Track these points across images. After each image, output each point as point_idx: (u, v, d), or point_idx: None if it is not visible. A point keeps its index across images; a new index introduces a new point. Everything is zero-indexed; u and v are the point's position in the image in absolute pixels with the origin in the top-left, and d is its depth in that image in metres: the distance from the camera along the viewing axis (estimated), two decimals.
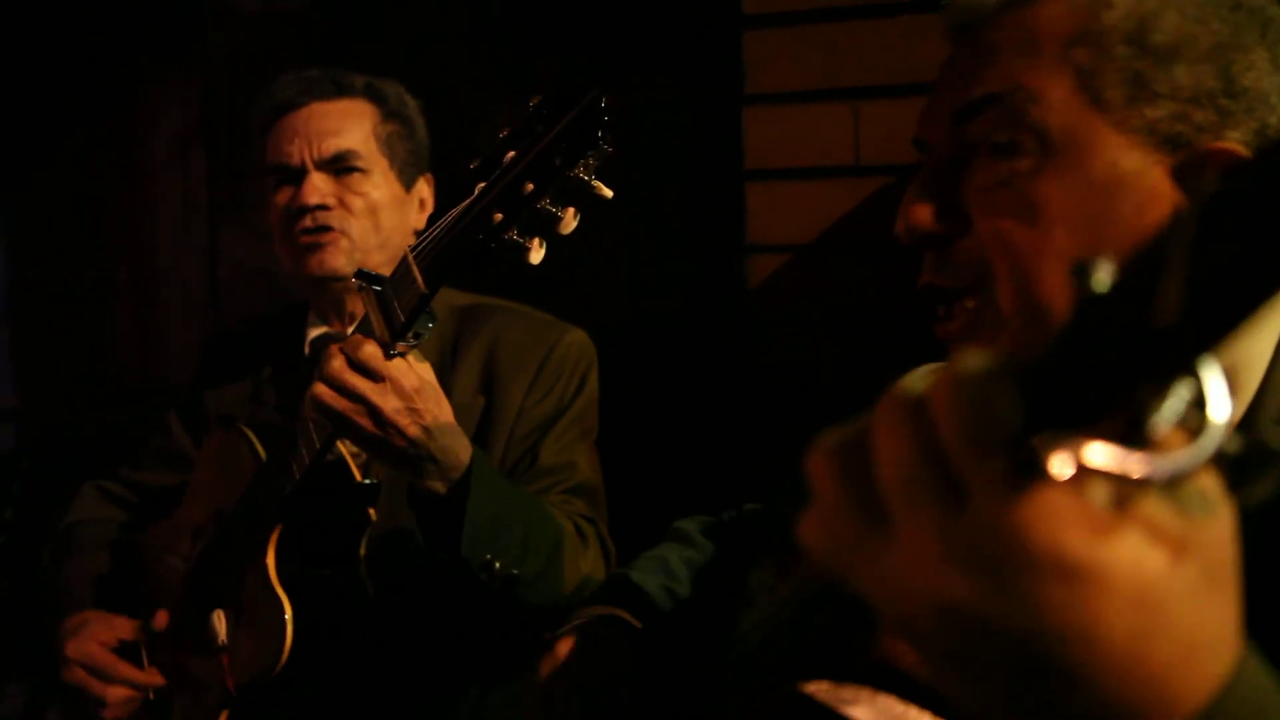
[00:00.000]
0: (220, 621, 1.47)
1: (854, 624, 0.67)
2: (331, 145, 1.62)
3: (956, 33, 0.80)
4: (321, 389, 1.24)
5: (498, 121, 1.17)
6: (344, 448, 1.46)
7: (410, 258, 1.20)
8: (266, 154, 1.67)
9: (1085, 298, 0.36)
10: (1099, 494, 0.39)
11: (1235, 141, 0.71)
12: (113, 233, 2.57)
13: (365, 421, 1.24)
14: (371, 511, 1.43)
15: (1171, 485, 0.39)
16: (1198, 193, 0.38)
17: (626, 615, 1.10)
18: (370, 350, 1.23)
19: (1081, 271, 0.36)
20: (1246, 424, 0.70)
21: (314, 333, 1.72)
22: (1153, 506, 0.40)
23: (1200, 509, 0.41)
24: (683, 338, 2.05)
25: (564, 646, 1.08)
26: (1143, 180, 0.72)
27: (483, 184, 1.15)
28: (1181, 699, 0.41)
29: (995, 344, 0.41)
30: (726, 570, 1.16)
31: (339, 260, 1.61)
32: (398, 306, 1.21)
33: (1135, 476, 0.37)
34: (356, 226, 1.62)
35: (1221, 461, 0.37)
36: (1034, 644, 0.41)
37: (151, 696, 1.58)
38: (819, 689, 0.64)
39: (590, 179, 1.08)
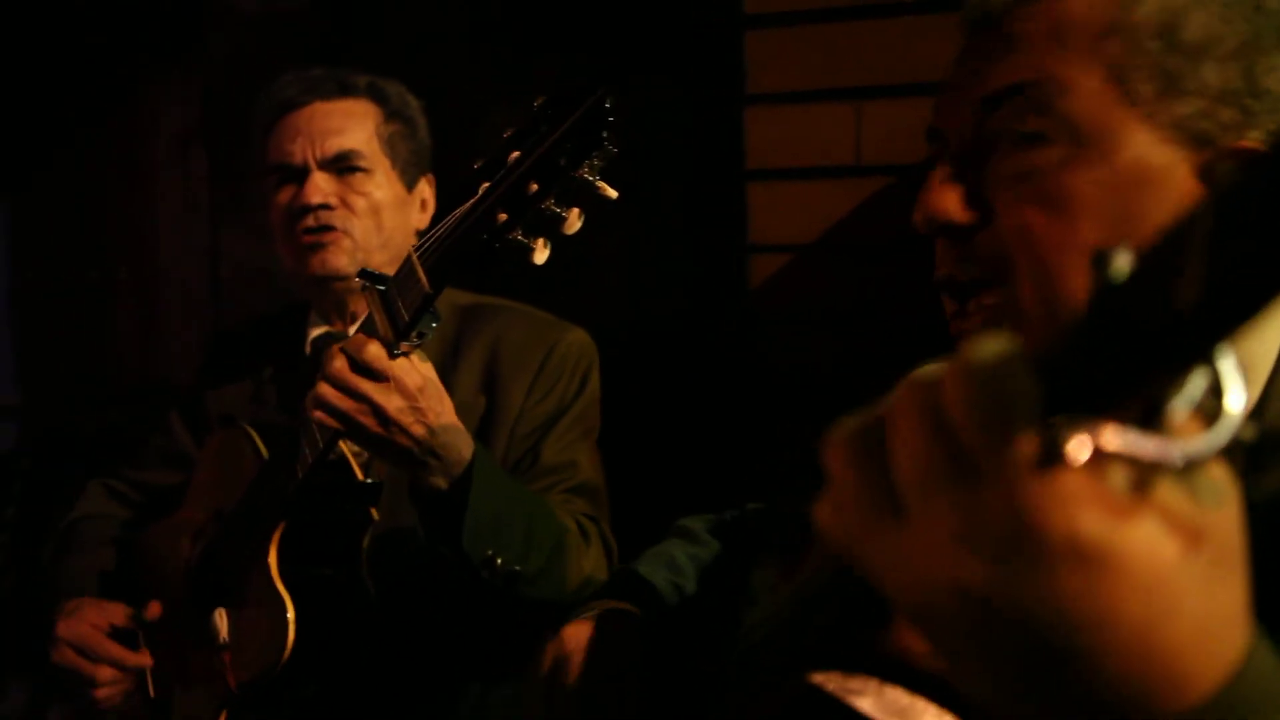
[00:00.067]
0: (222, 620, 1.47)
1: (859, 619, 0.67)
2: (334, 145, 1.62)
3: (977, 24, 0.79)
4: (325, 389, 1.24)
5: (499, 122, 1.17)
6: (346, 447, 1.46)
7: (414, 257, 1.20)
8: (268, 153, 1.66)
9: (1104, 285, 0.37)
10: (1115, 479, 0.40)
11: (1258, 141, 0.71)
12: (113, 232, 2.57)
13: (370, 421, 1.24)
14: (373, 510, 1.43)
15: (1186, 471, 0.39)
16: (1216, 183, 0.39)
17: (634, 609, 1.10)
18: (374, 350, 1.23)
19: (1101, 259, 0.36)
20: (1258, 414, 0.71)
21: (315, 332, 1.72)
22: (1167, 493, 0.41)
23: (1212, 498, 0.41)
24: (684, 337, 2.05)
25: (570, 632, 1.08)
26: (1169, 176, 0.72)
27: (487, 184, 1.15)
28: (1191, 685, 0.42)
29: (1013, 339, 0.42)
30: (732, 569, 1.16)
31: (341, 260, 1.61)
32: (401, 306, 1.21)
33: (1151, 461, 0.38)
34: (359, 226, 1.62)
35: (1235, 450, 0.38)
36: (1048, 628, 0.41)
37: (152, 694, 1.58)
38: (827, 679, 0.64)
39: (595, 179, 1.08)
